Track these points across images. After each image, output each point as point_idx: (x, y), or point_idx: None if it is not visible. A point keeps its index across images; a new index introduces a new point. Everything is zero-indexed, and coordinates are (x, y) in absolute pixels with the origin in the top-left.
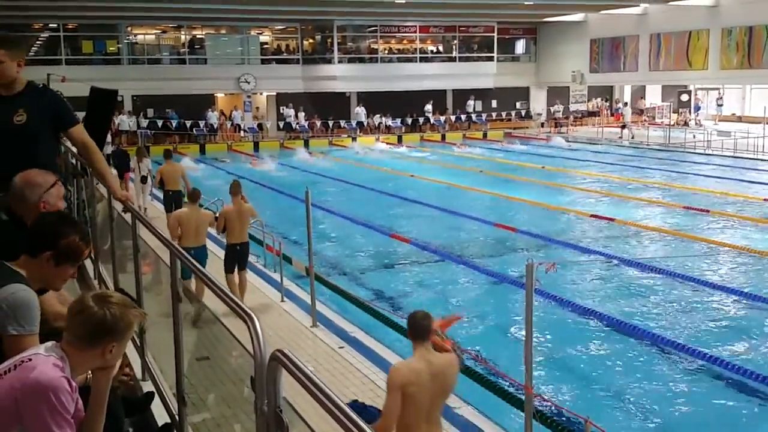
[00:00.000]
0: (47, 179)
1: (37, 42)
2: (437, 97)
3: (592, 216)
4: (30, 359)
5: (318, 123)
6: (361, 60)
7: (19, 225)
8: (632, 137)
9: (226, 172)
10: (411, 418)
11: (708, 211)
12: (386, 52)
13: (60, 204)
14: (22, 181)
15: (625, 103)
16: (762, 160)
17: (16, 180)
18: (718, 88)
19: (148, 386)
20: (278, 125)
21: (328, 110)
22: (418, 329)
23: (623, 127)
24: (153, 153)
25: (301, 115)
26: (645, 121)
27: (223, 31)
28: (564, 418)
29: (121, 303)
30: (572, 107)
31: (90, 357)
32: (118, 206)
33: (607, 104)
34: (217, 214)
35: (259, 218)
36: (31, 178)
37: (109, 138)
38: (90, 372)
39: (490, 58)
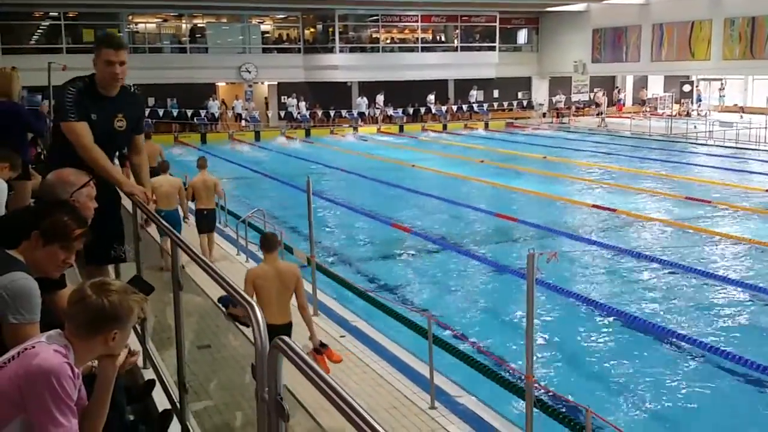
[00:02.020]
0: (80, 178)
1: (38, 30)
2: (439, 86)
3: (593, 206)
4: (33, 347)
5: (319, 113)
6: (363, 49)
7: None
8: (605, 126)
9: (225, 160)
10: (263, 303)
11: (709, 202)
12: (388, 41)
13: (90, 204)
14: (55, 178)
15: (603, 93)
16: (764, 150)
17: (50, 176)
18: (720, 79)
19: (149, 374)
20: (279, 115)
21: (330, 100)
22: (268, 245)
23: (599, 114)
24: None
25: (303, 104)
26: (647, 111)
27: (224, 20)
28: (565, 408)
29: (121, 290)
30: (574, 97)
31: (93, 345)
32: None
33: (620, 94)
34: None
35: (222, 193)
36: (64, 176)
37: None
38: (96, 360)
39: (492, 48)
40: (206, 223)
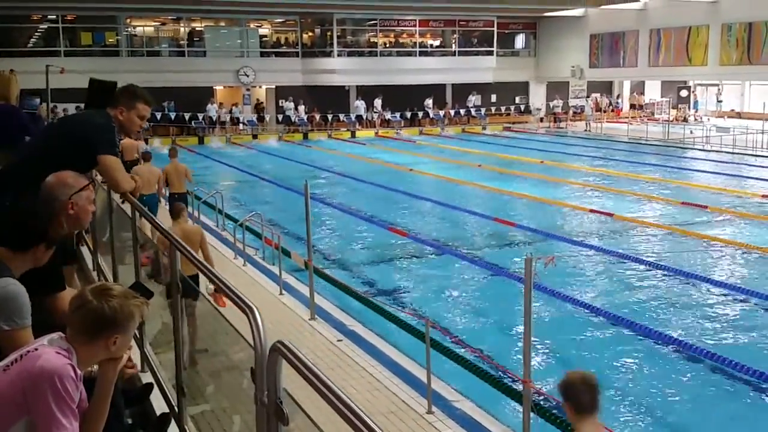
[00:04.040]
0: (79, 181)
1: (36, 33)
2: (437, 91)
3: (590, 211)
4: (36, 349)
5: (317, 116)
6: (361, 54)
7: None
8: (589, 130)
9: (223, 163)
10: None
11: (706, 207)
12: (386, 45)
13: (90, 207)
14: (54, 180)
15: (587, 98)
16: (761, 156)
17: (50, 178)
18: (717, 84)
19: (147, 377)
20: (277, 118)
21: (328, 104)
22: (174, 213)
23: (587, 123)
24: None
25: (302, 108)
26: (644, 116)
27: (223, 24)
28: (562, 411)
29: (121, 294)
30: (571, 102)
31: (94, 350)
32: (117, 197)
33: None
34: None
35: (192, 179)
36: (64, 178)
37: None
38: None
39: (490, 53)
40: None
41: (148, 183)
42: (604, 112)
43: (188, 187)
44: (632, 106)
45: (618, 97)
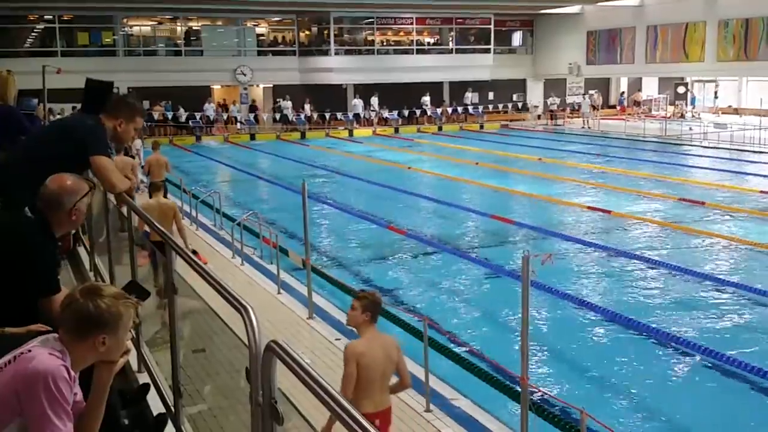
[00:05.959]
0: (80, 186)
1: (32, 34)
2: (434, 89)
3: (588, 208)
4: (29, 351)
5: (315, 115)
6: (358, 52)
7: (46, 227)
8: (588, 127)
9: (220, 162)
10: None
11: (703, 203)
12: (383, 44)
13: (85, 210)
14: (57, 187)
15: (584, 95)
16: (758, 152)
17: (51, 186)
18: (714, 80)
19: (143, 378)
20: (274, 117)
21: (325, 102)
22: (152, 189)
23: (584, 120)
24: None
25: (307, 107)
26: (641, 113)
27: (219, 23)
28: (560, 409)
29: (111, 294)
30: (569, 99)
31: (83, 350)
32: (112, 198)
33: (624, 97)
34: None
35: (170, 169)
36: (65, 185)
37: None
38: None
39: (487, 50)
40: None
41: (121, 172)
42: (598, 109)
43: (171, 177)
44: (635, 103)
45: (622, 94)
